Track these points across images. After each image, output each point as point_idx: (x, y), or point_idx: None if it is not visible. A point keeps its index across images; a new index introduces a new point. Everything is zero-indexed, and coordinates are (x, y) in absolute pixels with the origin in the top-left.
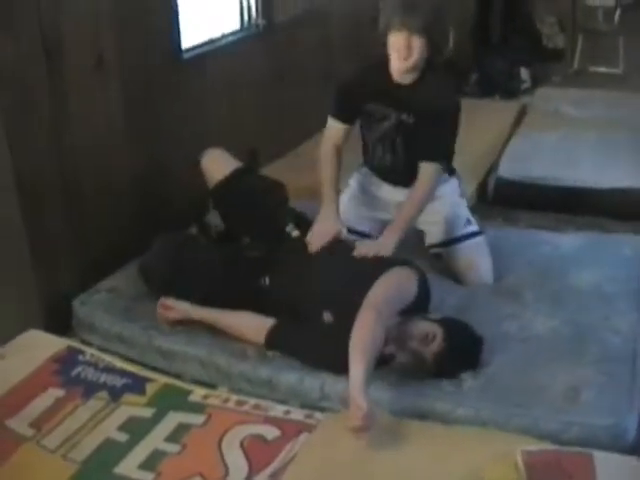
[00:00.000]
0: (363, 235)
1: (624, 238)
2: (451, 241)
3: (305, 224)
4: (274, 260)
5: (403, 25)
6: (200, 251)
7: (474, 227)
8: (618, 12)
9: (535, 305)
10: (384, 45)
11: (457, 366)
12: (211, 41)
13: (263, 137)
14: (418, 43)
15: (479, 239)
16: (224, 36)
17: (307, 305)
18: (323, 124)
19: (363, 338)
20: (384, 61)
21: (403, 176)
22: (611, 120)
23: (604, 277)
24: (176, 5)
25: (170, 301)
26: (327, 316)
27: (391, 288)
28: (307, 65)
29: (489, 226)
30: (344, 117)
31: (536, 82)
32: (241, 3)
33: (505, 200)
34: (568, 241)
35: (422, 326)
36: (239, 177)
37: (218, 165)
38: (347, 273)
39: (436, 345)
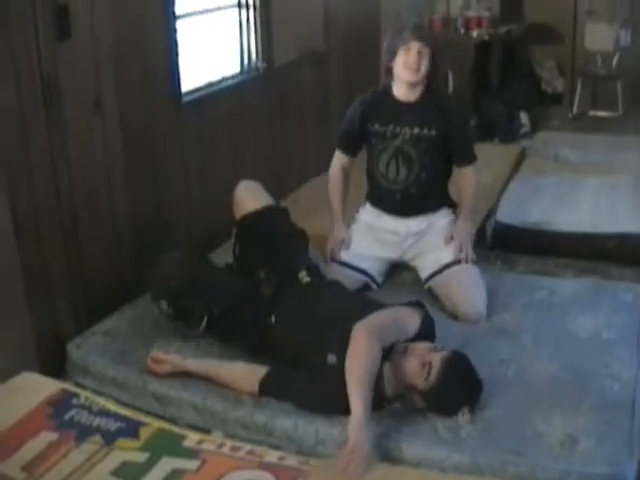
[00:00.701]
0: (364, 273)
1: (623, 285)
2: (443, 268)
3: (317, 274)
4: (283, 301)
5: (414, 38)
6: (217, 273)
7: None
8: (616, 56)
9: (533, 349)
10: (388, 73)
11: (452, 402)
12: (211, 84)
13: (262, 179)
14: (427, 53)
15: (471, 265)
16: (224, 79)
17: (312, 346)
18: (321, 166)
19: (358, 366)
20: (386, 87)
21: (415, 196)
22: (610, 164)
23: (603, 323)
24: (176, 48)
25: (161, 354)
26: (331, 358)
27: (386, 316)
28: (306, 107)
29: (487, 270)
30: (350, 148)
31: (536, 126)
32: (241, 47)
33: (504, 244)
34: (567, 287)
35: (421, 351)
36: (269, 214)
37: (251, 197)
38: (352, 315)
39: (432, 376)
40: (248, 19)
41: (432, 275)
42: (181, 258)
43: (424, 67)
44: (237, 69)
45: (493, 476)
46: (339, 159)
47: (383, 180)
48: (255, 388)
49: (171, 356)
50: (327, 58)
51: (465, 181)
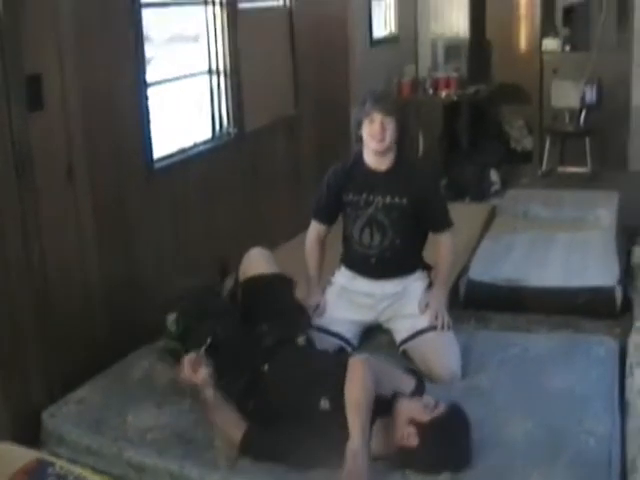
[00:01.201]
0: (339, 337)
1: (596, 339)
2: (418, 333)
3: (312, 343)
4: (278, 353)
5: (376, 109)
6: (226, 306)
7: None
8: (583, 113)
9: (508, 408)
10: (359, 140)
11: (438, 464)
12: (183, 150)
13: (234, 243)
14: (391, 124)
15: (446, 330)
16: (196, 145)
17: (303, 394)
18: (293, 230)
19: (357, 394)
20: (358, 156)
21: (389, 261)
22: (580, 220)
23: (577, 378)
24: (148, 116)
25: (200, 359)
26: (324, 403)
27: (383, 364)
28: (277, 172)
29: (461, 329)
30: (326, 218)
31: (506, 184)
32: (213, 113)
33: (477, 302)
34: (540, 342)
35: (409, 408)
36: (277, 285)
37: (263, 262)
38: (346, 364)
39: (438, 410)
40: (219, 85)
41: (407, 339)
42: (196, 287)
43: (389, 137)
44: (209, 135)
45: None
46: (315, 229)
47: (358, 245)
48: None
49: (205, 369)
50: (298, 124)
51: (441, 248)
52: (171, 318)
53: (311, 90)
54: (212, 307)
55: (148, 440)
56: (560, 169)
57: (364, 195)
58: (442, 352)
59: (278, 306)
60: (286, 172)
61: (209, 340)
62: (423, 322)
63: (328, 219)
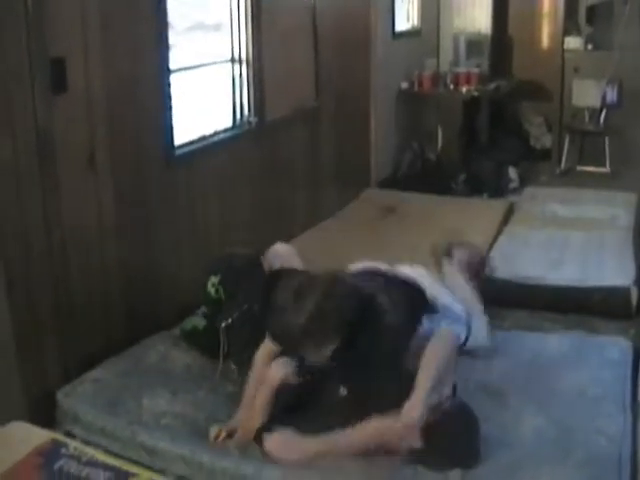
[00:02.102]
0: None
1: (610, 340)
2: None
3: None
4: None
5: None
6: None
7: None
8: (604, 112)
9: (520, 406)
10: None
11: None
12: (203, 138)
13: (251, 233)
14: None
15: None
16: (216, 133)
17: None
18: (310, 221)
19: (438, 352)
20: None
21: None
22: (598, 219)
23: (590, 379)
24: (170, 103)
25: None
26: (343, 390)
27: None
28: (296, 162)
29: None
30: None
31: (524, 181)
32: (234, 102)
33: (492, 299)
34: (554, 342)
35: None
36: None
37: (295, 259)
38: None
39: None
40: (241, 74)
41: None
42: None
43: None
44: (229, 123)
45: None
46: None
47: None
48: None
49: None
50: (318, 115)
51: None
52: (212, 281)
53: (332, 82)
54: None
55: (162, 425)
56: (579, 168)
57: None
58: None
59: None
60: (305, 163)
61: (230, 320)
62: None
63: None
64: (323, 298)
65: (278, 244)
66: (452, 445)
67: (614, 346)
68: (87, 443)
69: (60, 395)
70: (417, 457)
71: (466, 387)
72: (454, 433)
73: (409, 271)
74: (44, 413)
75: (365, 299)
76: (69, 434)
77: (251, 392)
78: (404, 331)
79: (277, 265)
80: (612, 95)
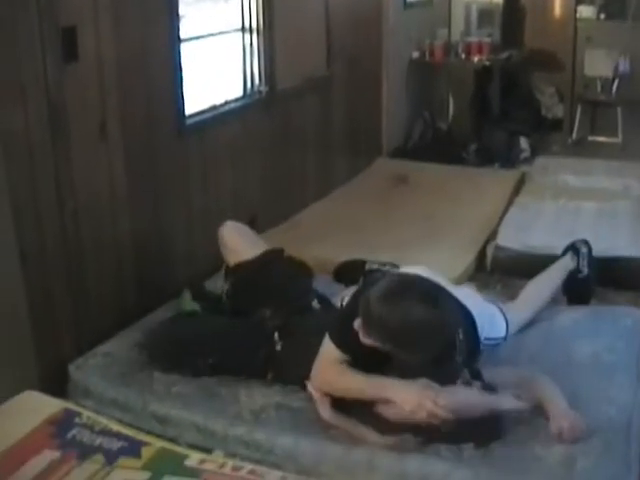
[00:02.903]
0: None
1: (622, 309)
2: None
3: (327, 302)
4: (291, 325)
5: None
6: (209, 324)
7: None
8: (616, 82)
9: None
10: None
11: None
12: (214, 107)
13: (263, 202)
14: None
15: None
16: (227, 102)
17: None
18: (322, 191)
19: None
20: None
21: None
22: (610, 189)
23: (602, 348)
24: (180, 72)
25: None
26: None
27: None
28: (307, 132)
29: (487, 295)
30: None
31: (535, 151)
32: (245, 71)
33: (504, 269)
34: (566, 312)
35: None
36: (268, 263)
37: (242, 241)
38: None
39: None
40: (252, 43)
41: None
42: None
43: None
44: (240, 93)
45: None
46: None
47: None
48: None
49: None
50: (329, 84)
51: None
52: (187, 297)
53: (343, 51)
54: (196, 336)
55: (173, 393)
56: (591, 138)
57: None
58: None
59: (278, 289)
60: (316, 132)
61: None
62: None
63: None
64: (433, 309)
65: (228, 223)
66: (472, 424)
67: (627, 316)
68: (99, 415)
69: (72, 368)
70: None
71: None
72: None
73: (413, 270)
74: (56, 386)
75: (462, 325)
76: (81, 407)
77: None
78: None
79: (237, 248)
80: (625, 65)
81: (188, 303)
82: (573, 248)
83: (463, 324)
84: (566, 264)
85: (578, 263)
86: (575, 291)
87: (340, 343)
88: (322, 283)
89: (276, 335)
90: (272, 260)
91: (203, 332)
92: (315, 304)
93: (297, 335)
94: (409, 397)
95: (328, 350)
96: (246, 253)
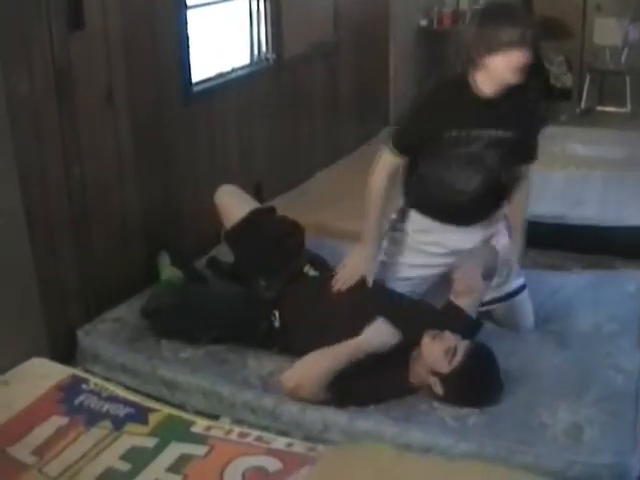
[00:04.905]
0: None
1: (626, 275)
2: (508, 295)
3: (321, 264)
4: (287, 298)
5: (526, 41)
6: (208, 294)
7: (522, 277)
8: (625, 51)
9: (538, 342)
10: (471, 64)
11: (470, 389)
12: (221, 75)
13: (269, 171)
14: (532, 54)
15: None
16: (234, 70)
17: (320, 328)
18: (329, 158)
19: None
20: (463, 82)
21: (482, 207)
22: (618, 159)
23: (607, 315)
24: (187, 39)
25: None
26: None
27: None
28: (315, 98)
29: None
30: (409, 151)
31: (543, 120)
32: (251, 38)
33: None
34: (571, 280)
35: (447, 337)
36: (258, 219)
37: (234, 204)
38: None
39: (455, 361)
40: (258, 10)
41: (494, 301)
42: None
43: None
44: (247, 60)
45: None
46: (392, 165)
47: (446, 190)
48: None
49: None
50: (337, 50)
51: (522, 190)
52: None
53: (350, 17)
54: (199, 306)
55: (182, 359)
56: (599, 108)
57: (470, 130)
58: (529, 311)
59: (268, 248)
60: (324, 99)
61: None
62: (506, 284)
63: (411, 152)
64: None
65: (222, 187)
66: (468, 395)
67: (630, 281)
68: (107, 380)
69: (81, 334)
70: (444, 393)
71: (486, 323)
72: (468, 383)
73: None
74: (65, 352)
75: None
76: (89, 373)
77: (372, 226)
78: None
79: (230, 209)
80: (634, 34)
81: (167, 269)
82: None
83: None
84: None
85: None
86: None
87: (400, 146)
88: (319, 246)
89: (276, 313)
90: (262, 218)
91: (204, 307)
92: (307, 269)
93: (293, 308)
94: None
95: (385, 159)
96: (237, 213)
